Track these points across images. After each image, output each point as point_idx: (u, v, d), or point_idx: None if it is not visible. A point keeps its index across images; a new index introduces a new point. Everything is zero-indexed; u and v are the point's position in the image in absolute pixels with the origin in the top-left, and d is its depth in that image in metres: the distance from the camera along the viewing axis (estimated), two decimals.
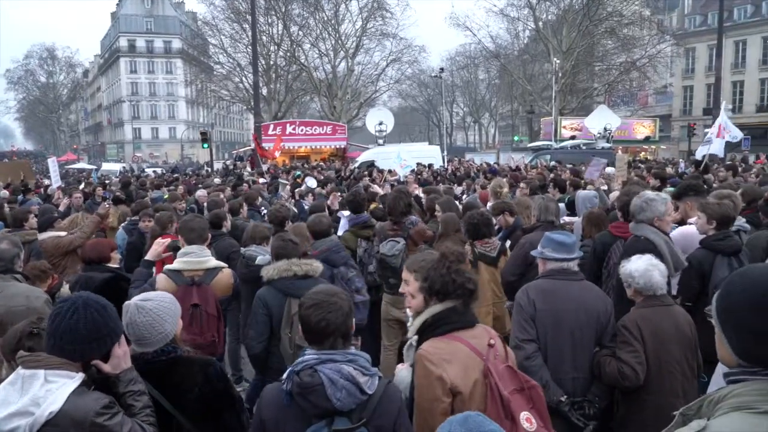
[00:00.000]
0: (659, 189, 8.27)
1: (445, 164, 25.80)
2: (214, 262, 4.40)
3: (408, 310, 3.19)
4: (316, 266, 4.18)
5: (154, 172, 33.70)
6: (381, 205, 7.59)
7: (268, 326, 4.04)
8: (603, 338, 3.64)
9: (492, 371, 2.56)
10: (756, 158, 22.95)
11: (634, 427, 3.50)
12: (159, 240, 4.52)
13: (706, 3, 53.14)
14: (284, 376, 2.29)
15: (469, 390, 2.53)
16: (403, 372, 2.97)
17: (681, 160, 27.92)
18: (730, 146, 19.64)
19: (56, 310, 2.25)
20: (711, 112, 21.70)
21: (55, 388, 2.11)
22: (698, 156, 13.05)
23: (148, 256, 4.39)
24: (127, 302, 2.67)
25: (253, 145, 27.59)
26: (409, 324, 3.15)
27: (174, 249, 4.48)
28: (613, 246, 4.79)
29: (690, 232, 4.96)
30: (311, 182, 8.90)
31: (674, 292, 4.29)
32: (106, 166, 44.23)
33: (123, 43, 78.44)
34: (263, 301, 4.05)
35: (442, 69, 46.91)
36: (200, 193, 10.51)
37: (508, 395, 2.54)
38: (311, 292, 2.44)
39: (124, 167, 43.01)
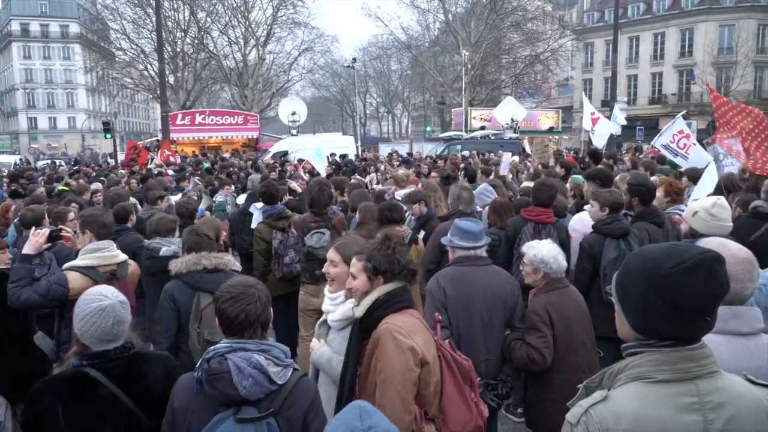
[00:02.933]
0: (565, 178, 8.72)
1: (359, 154, 25.91)
2: (123, 255, 4.26)
3: (327, 291, 3.21)
4: (227, 260, 4.10)
5: (52, 163, 31.65)
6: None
7: (176, 321, 3.93)
8: (512, 320, 3.81)
9: (441, 345, 2.71)
10: (651, 147, 24.50)
11: (545, 405, 3.66)
12: (35, 230, 4.07)
13: (602, 0, 56.13)
14: (197, 364, 2.26)
15: (433, 359, 2.60)
16: (323, 348, 3.05)
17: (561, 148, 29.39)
18: (626, 136, 20.97)
19: None
20: (609, 104, 22.99)
21: None
22: (597, 144, 13.96)
23: (27, 249, 3.92)
24: (106, 302, 2.53)
25: (159, 136, 26.53)
26: (328, 305, 3.16)
27: (55, 238, 4.16)
28: (523, 228, 5.07)
29: (587, 219, 5.25)
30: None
31: None
32: None
33: (15, 26, 72.74)
34: (171, 296, 3.93)
35: (354, 59, 46.91)
36: (96, 185, 9.97)
37: (467, 363, 2.72)
38: (227, 284, 2.38)
39: (20, 159, 40.04)
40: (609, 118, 15.86)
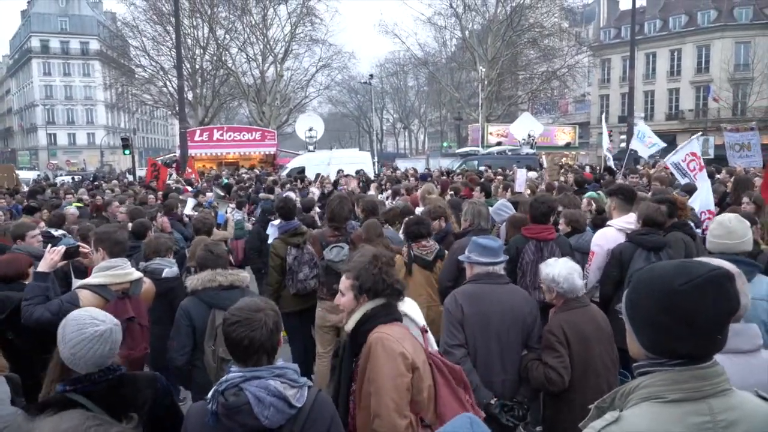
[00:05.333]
0: (578, 193, 8.70)
1: (376, 170, 25.99)
2: (137, 273, 4.21)
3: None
4: (243, 276, 4.13)
5: (72, 179, 32.17)
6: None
7: (191, 338, 3.95)
8: (530, 340, 3.74)
9: (430, 353, 2.79)
10: (664, 164, 24.31)
11: (565, 426, 3.57)
12: (50, 248, 4.00)
13: (619, 17, 56.11)
14: (209, 395, 2.21)
15: (422, 366, 2.64)
16: None
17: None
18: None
19: None
20: (626, 119, 22.84)
21: None
22: (611, 163, 13.95)
23: (42, 267, 3.84)
24: (103, 327, 2.47)
25: (177, 152, 26.83)
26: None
27: (71, 255, 4.10)
28: (525, 247, 5.03)
29: (612, 235, 5.19)
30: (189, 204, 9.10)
31: None
32: (19, 174, 41.49)
33: (35, 43, 74.06)
34: (186, 313, 3.96)
35: (371, 75, 47.22)
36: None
37: (458, 366, 2.80)
38: (235, 307, 2.34)
39: (39, 175, 40.68)
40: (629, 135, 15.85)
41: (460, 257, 3.97)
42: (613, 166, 13.71)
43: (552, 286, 3.69)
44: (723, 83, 45.91)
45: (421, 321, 3.19)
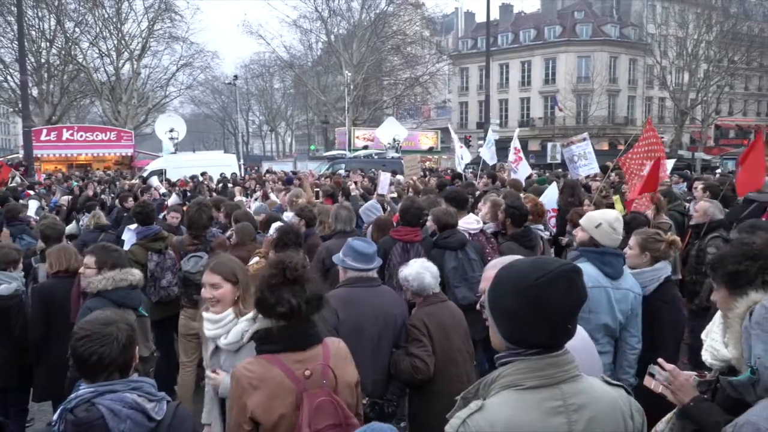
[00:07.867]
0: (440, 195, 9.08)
1: (241, 173, 25.40)
2: None
3: (209, 315, 3.05)
4: (141, 277, 4.08)
5: None
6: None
7: None
8: (399, 340, 3.84)
9: (305, 403, 2.37)
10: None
11: (430, 417, 3.66)
12: None
13: (476, 28, 59.42)
14: (54, 417, 2.06)
15: (272, 422, 2.38)
16: (227, 378, 2.84)
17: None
18: (500, 156, 22.35)
19: None
20: (483, 125, 24.24)
21: None
22: (458, 169, 15.14)
23: None
24: None
25: (21, 153, 24.46)
26: (215, 329, 3.01)
27: None
28: (393, 248, 5.22)
29: None
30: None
31: None
32: None
33: None
34: None
35: (236, 76, 45.98)
36: None
37: None
38: (84, 321, 2.20)
39: None
40: (484, 140, 16.98)
41: (334, 259, 3.98)
42: (462, 173, 14.72)
43: (405, 285, 3.88)
44: (568, 94, 50.28)
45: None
